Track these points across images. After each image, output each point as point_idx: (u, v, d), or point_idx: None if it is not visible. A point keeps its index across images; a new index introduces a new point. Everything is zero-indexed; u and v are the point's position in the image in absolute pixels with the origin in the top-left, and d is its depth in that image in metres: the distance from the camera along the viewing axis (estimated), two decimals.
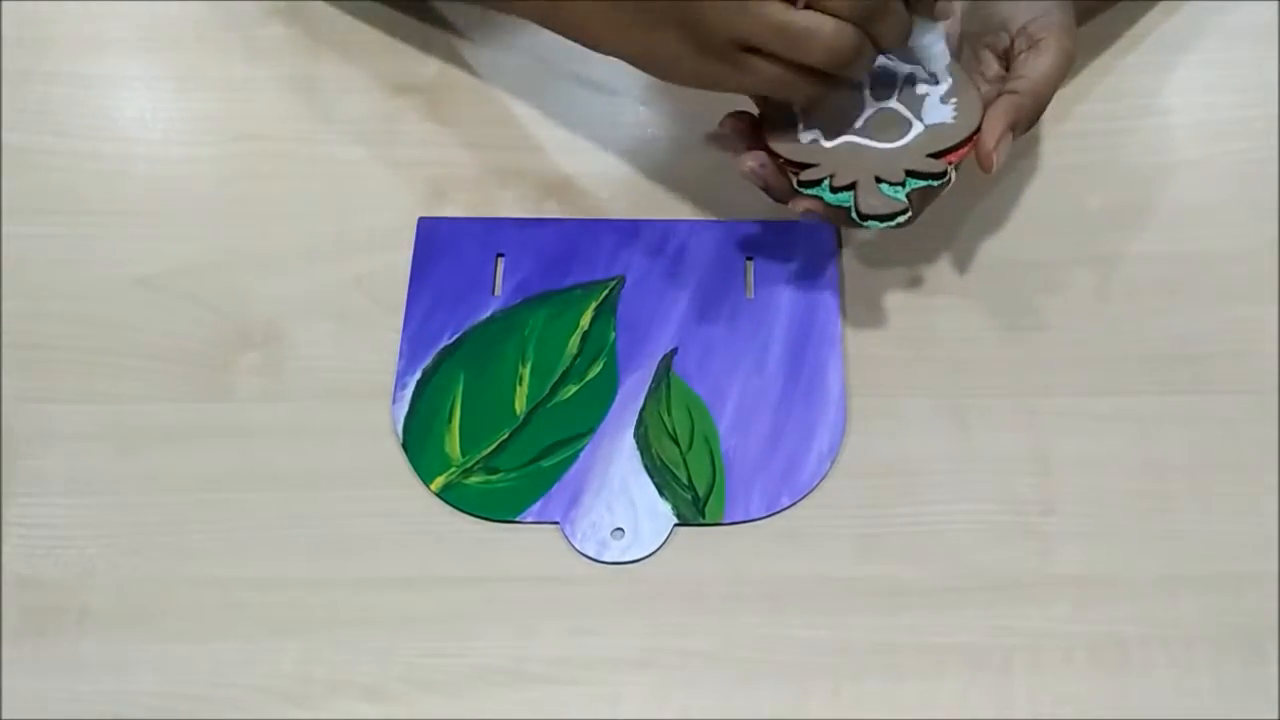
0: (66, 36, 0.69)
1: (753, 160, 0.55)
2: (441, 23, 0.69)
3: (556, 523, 0.54)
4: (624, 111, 0.66)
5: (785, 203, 0.55)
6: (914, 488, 0.55)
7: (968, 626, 0.52)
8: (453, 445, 0.56)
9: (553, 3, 0.56)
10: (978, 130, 0.54)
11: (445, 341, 0.59)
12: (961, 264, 0.61)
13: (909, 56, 0.56)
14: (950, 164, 0.53)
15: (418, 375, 0.58)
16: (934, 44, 0.55)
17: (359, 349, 0.59)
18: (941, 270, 0.60)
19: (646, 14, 0.52)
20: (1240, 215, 0.62)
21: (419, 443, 0.56)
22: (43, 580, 0.53)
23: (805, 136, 0.55)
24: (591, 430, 0.56)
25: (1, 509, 0.55)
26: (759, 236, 0.61)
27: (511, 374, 0.58)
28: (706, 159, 0.64)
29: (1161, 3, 0.68)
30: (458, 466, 0.55)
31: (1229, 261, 0.61)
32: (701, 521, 0.54)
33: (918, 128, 0.54)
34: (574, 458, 0.56)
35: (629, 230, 0.62)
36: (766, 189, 0.56)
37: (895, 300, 0.60)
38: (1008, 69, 0.56)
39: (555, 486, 0.55)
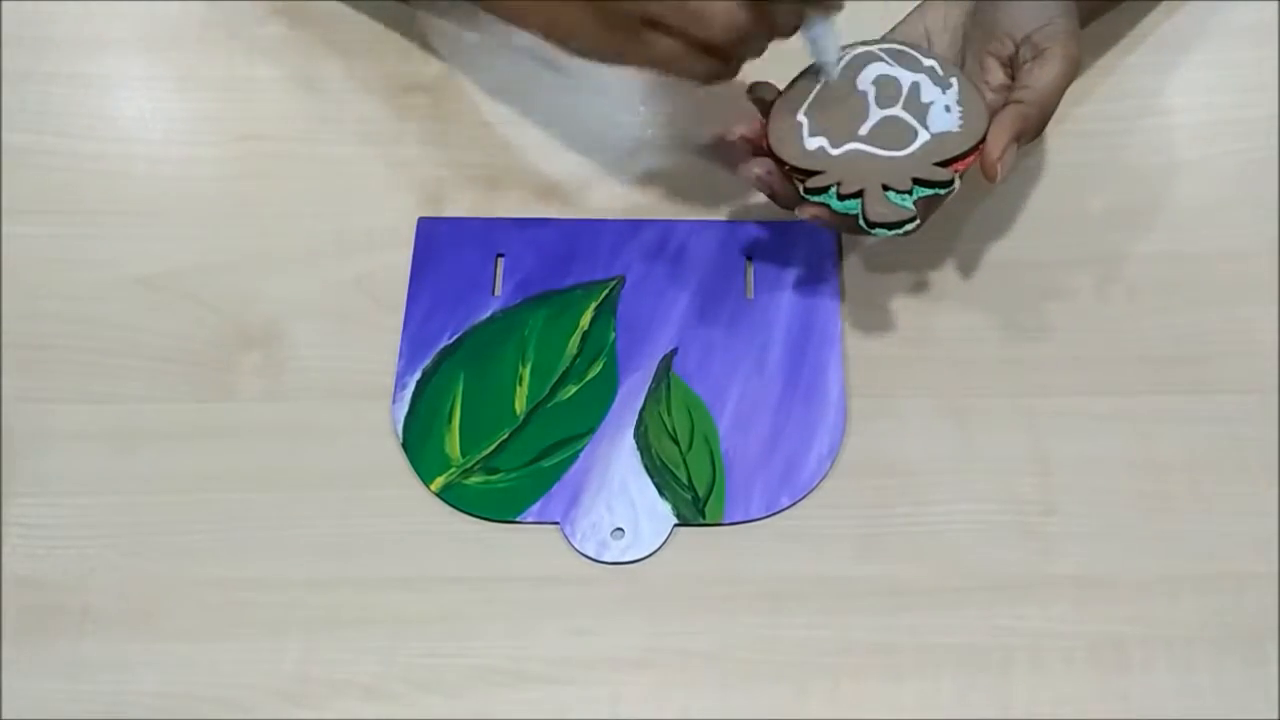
0: (66, 36, 0.69)
1: (759, 167, 0.55)
2: (441, 23, 0.69)
3: (556, 523, 0.54)
4: (623, 111, 0.66)
5: (791, 209, 0.55)
6: (914, 488, 0.55)
7: (967, 626, 0.52)
8: (453, 445, 0.56)
9: None
10: (983, 138, 0.54)
11: (445, 341, 0.59)
12: (961, 264, 0.61)
13: (911, 63, 0.56)
14: (956, 172, 0.53)
15: (418, 375, 0.58)
16: (823, 36, 0.55)
17: (359, 349, 0.59)
18: (941, 270, 0.60)
19: None
20: (1240, 215, 0.62)
21: (419, 443, 0.56)
22: (43, 580, 0.53)
23: (811, 144, 0.55)
24: (591, 430, 0.56)
25: (1, 509, 0.55)
26: (759, 237, 0.61)
27: (511, 374, 0.58)
28: (706, 159, 0.64)
29: (1162, 3, 0.68)
30: (458, 466, 0.56)
31: (1229, 261, 0.61)
32: (701, 521, 0.54)
33: (923, 136, 0.54)
34: (574, 458, 0.56)
35: (629, 230, 0.62)
36: (772, 196, 0.56)
37: (895, 301, 0.60)
38: (1012, 77, 0.56)
39: (555, 486, 0.55)
